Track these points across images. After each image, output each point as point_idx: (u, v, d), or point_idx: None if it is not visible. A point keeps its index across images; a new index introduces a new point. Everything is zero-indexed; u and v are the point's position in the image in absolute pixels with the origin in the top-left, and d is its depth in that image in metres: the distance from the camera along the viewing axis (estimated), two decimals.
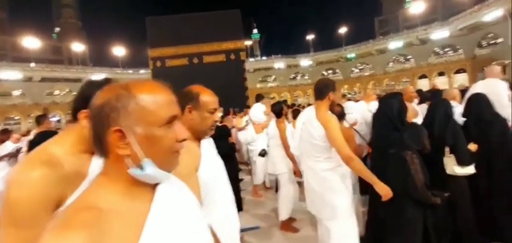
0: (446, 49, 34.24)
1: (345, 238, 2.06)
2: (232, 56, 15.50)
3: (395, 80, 35.63)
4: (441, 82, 31.17)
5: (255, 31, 79.86)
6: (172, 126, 0.60)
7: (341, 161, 2.01)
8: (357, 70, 41.35)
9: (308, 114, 2.22)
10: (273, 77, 43.24)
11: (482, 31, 29.66)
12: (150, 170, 0.57)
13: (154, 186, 0.63)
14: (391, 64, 38.56)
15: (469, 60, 30.90)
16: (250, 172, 5.47)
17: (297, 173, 3.29)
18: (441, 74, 33.14)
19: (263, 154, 4.27)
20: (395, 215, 1.99)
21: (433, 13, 43.34)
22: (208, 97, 1.20)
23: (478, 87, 3.31)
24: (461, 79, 30.54)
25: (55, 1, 65.38)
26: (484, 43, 31.07)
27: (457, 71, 31.89)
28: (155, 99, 0.57)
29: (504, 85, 3.40)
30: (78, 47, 44.39)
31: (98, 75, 36.76)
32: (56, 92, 38.14)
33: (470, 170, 2.25)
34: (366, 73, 39.87)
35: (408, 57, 36.48)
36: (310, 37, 44.80)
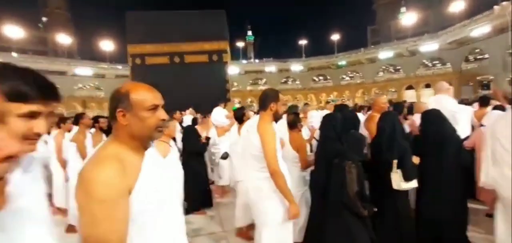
0: (435, 62, 34.66)
1: None
2: (215, 57, 15.11)
3: (383, 89, 35.79)
4: (427, 94, 31.58)
5: (249, 33, 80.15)
6: None
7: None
8: (348, 77, 41.58)
9: (251, 124, 2.22)
10: (264, 80, 43.06)
11: (470, 46, 30.05)
12: None
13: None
14: (381, 73, 38.86)
15: (456, 73, 31.31)
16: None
17: None
18: (427, 86, 33.46)
19: (225, 156, 4.37)
20: (335, 223, 2.08)
21: (424, 25, 43.94)
22: (142, 94, 0.96)
23: (431, 103, 3.53)
24: None
25: None
26: (471, 58, 31.57)
27: None
28: None
29: (454, 101, 3.69)
30: (64, 39, 43.10)
31: (83, 69, 35.51)
32: None
33: (414, 184, 2.29)
34: (357, 81, 40.08)
35: (398, 67, 36.83)
36: (302, 42, 44.83)
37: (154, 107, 0.96)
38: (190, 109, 7.55)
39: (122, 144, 0.94)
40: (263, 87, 42.82)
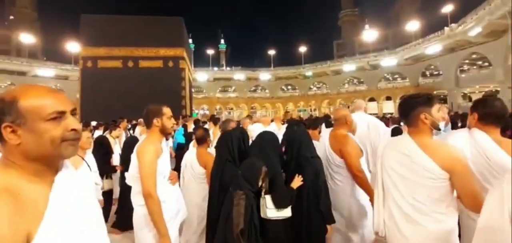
0: (395, 76, 37.16)
1: None
2: (170, 63, 15.25)
3: (347, 100, 37.57)
4: (387, 106, 33.73)
5: (222, 41, 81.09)
6: None
7: (163, 197, 1.84)
8: (315, 88, 43.12)
9: (139, 143, 2.04)
10: (233, 88, 43.35)
11: (425, 63, 32.69)
12: None
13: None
14: (346, 85, 40.80)
15: (414, 87, 33.63)
16: None
17: None
18: (388, 98, 35.74)
19: None
20: None
21: (385, 41, 47.28)
22: (35, 99, 0.70)
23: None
24: None
25: None
26: (427, 73, 34.21)
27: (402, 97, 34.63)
28: None
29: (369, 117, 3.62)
30: (26, 38, 41.00)
31: (44, 70, 33.91)
32: None
33: (287, 212, 1.91)
34: (323, 92, 41.74)
35: (361, 80, 38.97)
36: (271, 52, 45.83)
37: (57, 116, 0.71)
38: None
39: (16, 170, 0.69)
40: (232, 95, 43.20)
